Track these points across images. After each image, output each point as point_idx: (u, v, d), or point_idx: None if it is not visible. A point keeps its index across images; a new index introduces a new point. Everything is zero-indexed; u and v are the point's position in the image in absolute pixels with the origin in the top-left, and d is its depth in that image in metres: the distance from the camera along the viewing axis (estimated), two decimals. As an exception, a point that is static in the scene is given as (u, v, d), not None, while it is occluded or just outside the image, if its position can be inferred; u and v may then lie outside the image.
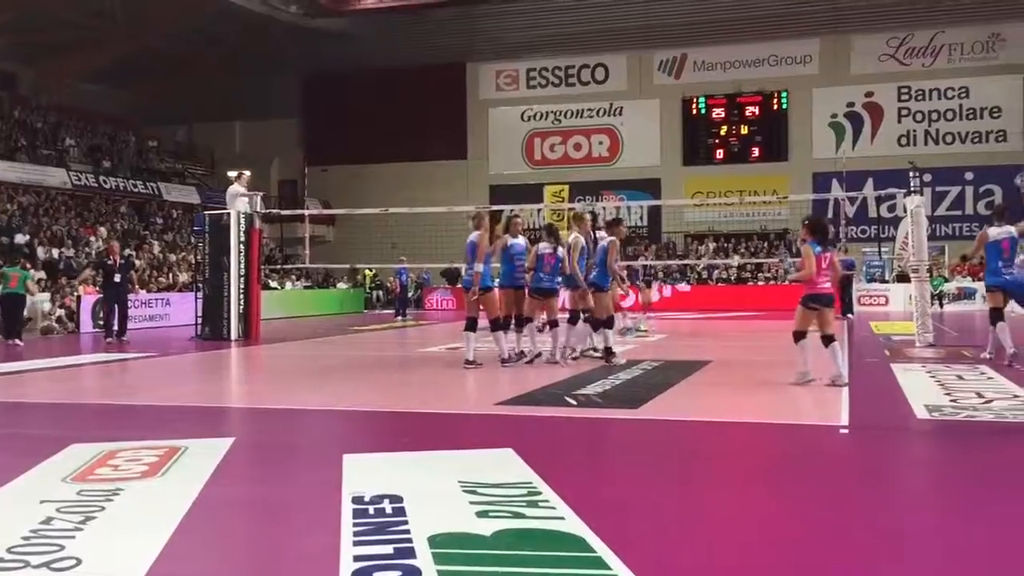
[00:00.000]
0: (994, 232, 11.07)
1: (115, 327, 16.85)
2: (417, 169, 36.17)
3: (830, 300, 9.48)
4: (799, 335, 9.24)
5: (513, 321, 11.50)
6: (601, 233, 12.59)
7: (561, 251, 11.50)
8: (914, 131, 33.70)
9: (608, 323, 11.64)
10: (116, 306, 17.00)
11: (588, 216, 13.11)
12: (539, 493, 4.69)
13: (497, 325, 11.18)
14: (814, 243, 9.31)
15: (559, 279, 11.76)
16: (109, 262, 17.24)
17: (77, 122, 33.09)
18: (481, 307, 11.09)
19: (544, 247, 11.49)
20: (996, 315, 11.05)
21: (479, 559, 3.69)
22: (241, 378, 12.39)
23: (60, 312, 19.93)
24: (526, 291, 11.50)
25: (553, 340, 11.56)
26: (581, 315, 11.83)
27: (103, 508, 4.50)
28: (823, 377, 9.05)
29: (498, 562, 3.65)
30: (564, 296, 12.88)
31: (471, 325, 11.18)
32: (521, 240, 11.61)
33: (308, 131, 39.31)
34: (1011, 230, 11.12)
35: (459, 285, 12.27)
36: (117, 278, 16.88)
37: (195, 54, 34.28)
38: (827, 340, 9.14)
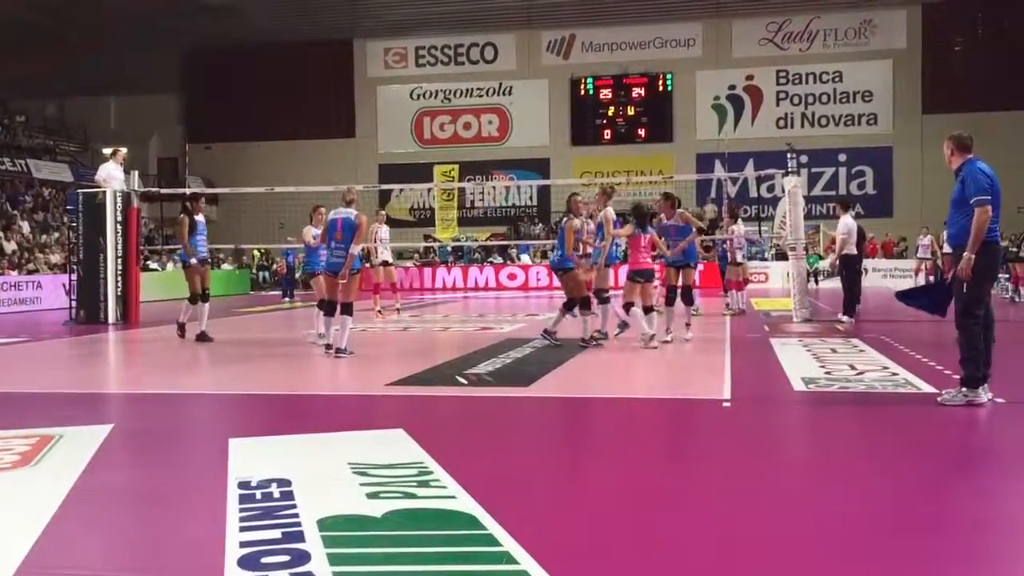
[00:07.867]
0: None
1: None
2: (305, 147, 35.48)
3: (652, 275, 10.65)
4: (628, 305, 10.42)
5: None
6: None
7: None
8: (791, 114, 34.83)
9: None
10: None
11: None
12: (430, 473, 4.69)
13: (350, 309, 10.27)
14: (637, 226, 10.56)
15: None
16: None
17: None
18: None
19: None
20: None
21: (369, 540, 3.66)
22: (120, 362, 11.94)
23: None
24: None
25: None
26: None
27: (-30, 501, 4.28)
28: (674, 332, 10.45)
29: (389, 543, 3.62)
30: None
31: (330, 308, 10.37)
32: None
33: (189, 107, 37.93)
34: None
35: (318, 269, 11.36)
36: None
37: (66, 25, 32.60)
38: (648, 309, 10.43)
